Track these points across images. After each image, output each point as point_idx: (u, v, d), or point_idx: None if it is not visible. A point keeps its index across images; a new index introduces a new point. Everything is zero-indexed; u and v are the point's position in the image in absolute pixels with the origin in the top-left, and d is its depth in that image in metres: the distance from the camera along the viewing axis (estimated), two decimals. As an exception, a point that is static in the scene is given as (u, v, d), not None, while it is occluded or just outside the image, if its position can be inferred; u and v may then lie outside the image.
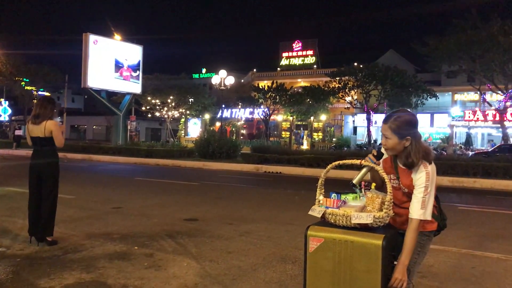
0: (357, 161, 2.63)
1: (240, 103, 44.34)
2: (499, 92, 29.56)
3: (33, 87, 46.77)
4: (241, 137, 44.04)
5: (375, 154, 2.66)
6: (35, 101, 5.80)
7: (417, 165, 2.52)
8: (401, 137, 2.54)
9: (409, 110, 2.78)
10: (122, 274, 4.38)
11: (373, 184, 2.63)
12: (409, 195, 2.59)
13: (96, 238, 5.78)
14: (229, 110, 44.80)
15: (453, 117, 37.50)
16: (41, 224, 5.31)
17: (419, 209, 2.48)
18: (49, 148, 5.41)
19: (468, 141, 33.55)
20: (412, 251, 2.50)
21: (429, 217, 2.52)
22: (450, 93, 41.27)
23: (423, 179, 2.50)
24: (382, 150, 2.69)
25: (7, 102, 41.42)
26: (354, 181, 2.61)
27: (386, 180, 2.47)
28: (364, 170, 2.63)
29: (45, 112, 5.35)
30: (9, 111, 39.89)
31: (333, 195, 2.61)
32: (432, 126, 38.21)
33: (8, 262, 4.65)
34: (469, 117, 35.92)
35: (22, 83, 44.87)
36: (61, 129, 5.60)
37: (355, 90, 36.77)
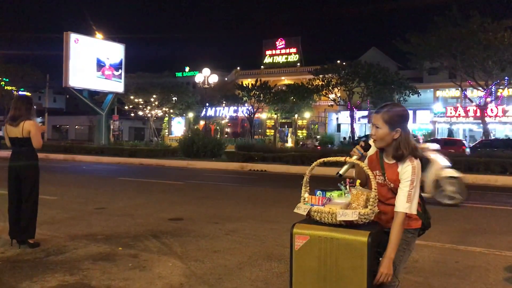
0: (342, 158, 2.62)
1: (224, 102, 44.28)
2: (480, 88, 30.03)
3: (13, 87, 45.99)
4: (226, 136, 44.02)
5: (363, 145, 2.66)
6: (22, 101, 5.66)
7: (406, 157, 2.54)
8: (392, 128, 2.57)
9: (403, 105, 2.79)
10: (106, 275, 4.33)
11: (358, 181, 2.63)
12: (394, 191, 2.59)
13: (79, 240, 5.70)
14: (213, 108, 44.69)
15: (435, 114, 37.98)
16: (22, 226, 5.21)
17: (405, 202, 2.50)
18: (27, 149, 5.29)
19: (450, 137, 33.99)
20: (397, 245, 2.50)
21: (414, 211, 2.54)
22: (432, 89, 41.78)
23: (409, 172, 2.52)
24: (370, 141, 2.68)
25: (-15, 102, 40.73)
26: (341, 172, 2.60)
27: (370, 177, 2.46)
28: (351, 159, 2.59)
29: (20, 112, 5.21)
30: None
31: (318, 192, 2.60)
32: (414, 123, 38.62)
33: (-12, 266, 4.55)
34: (450, 113, 36.43)
35: (1, 83, 44.08)
36: (42, 129, 5.50)
37: (339, 88, 37.00)
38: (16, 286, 4.00)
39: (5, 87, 44.86)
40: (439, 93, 41.80)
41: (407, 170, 2.53)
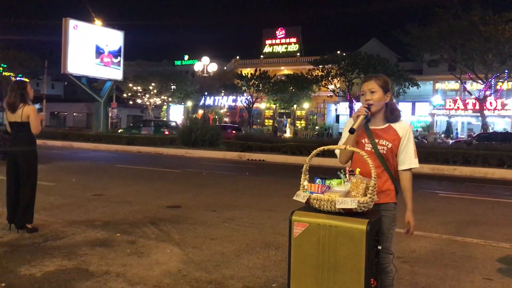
0: (343, 147, 2.62)
1: (223, 91, 44.17)
2: (479, 81, 30.01)
3: (11, 73, 45.77)
4: (224, 125, 43.85)
5: (367, 106, 2.75)
6: (16, 86, 5.66)
7: (400, 117, 2.81)
8: (385, 92, 2.78)
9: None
10: (104, 261, 4.34)
11: (358, 170, 2.63)
12: (386, 156, 2.74)
13: (77, 225, 5.71)
14: (212, 97, 44.61)
15: (434, 106, 37.96)
16: (20, 211, 5.21)
17: (413, 158, 2.77)
18: (25, 134, 5.29)
19: (449, 129, 34.04)
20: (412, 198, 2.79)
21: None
22: (432, 82, 41.73)
23: (410, 131, 2.80)
24: (355, 126, 2.70)
25: (-16, 88, 40.58)
26: (355, 127, 2.67)
27: (370, 165, 2.47)
28: (361, 118, 2.70)
29: (14, 99, 5.22)
30: (-13, 97, 39.07)
31: (318, 180, 2.61)
32: (413, 115, 38.64)
33: (-14, 250, 4.56)
34: (449, 105, 36.40)
35: (-1, 69, 43.93)
36: (41, 117, 5.49)
37: (338, 79, 36.94)
38: (14, 270, 4.01)
39: (3, 73, 44.68)
40: (438, 85, 41.76)
41: (408, 130, 2.79)
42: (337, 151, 2.86)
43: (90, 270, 4.08)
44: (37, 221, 5.51)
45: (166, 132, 28.61)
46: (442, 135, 32.80)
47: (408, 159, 2.77)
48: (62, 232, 5.34)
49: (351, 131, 2.66)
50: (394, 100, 3.03)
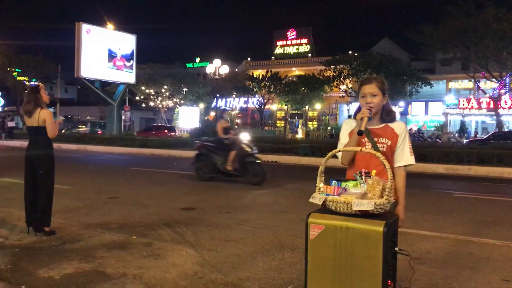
0: (358, 148, 2.63)
1: (234, 92, 44.21)
2: (493, 79, 29.62)
3: (25, 78, 46.31)
4: (236, 127, 43.92)
5: (369, 108, 2.80)
6: (32, 90, 5.79)
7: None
8: (384, 94, 2.87)
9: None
10: (121, 263, 4.38)
11: (374, 171, 2.64)
12: (386, 154, 2.78)
13: (93, 228, 5.77)
14: (224, 99, 44.66)
15: (448, 105, 37.58)
16: (38, 214, 5.29)
17: (409, 155, 2.89)
18: (43, 138, 5.38)
19: (462, 129, 33.69)
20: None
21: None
22: (445, 81, 41.32)
23: (406, 130, 2.90)
24: (362, 127, 2.74)
25: (-1, 92, 41.15)
26: (362, 128, 2.71)
27: (386, 167, 2.47)
28: (365, 119, 2.74)
29: (30, 103, 5.33)
30: (2, 101, 39.62)
31: (334, 182, 2.61)
32: (426, 114, 38.32)
33: (6, 252, 4.64)
34: (463, 105, 36.01)
35: (14, 74, 44.40)
36: (59, 121, 5.57)
37: (350, 79, 36.74)
38: (34, 272, 4.07)
39: (18, 78, 45.24)
40: (451, 84, 41.34)
41: (404, 128, 2.90)
42: (339, 153, 2.93)
43: (107, 272, 4.13)
44: (54, 224, 5.58)
45: (99, 132, 33.60)
46: (456, 135, 32.48)
47: (405, 156, 2.88)
48: (79, 235, 5.41)
49: (360, 133, 2.71)
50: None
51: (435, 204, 8.32)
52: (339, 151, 2.84)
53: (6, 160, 15.55)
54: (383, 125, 2.90)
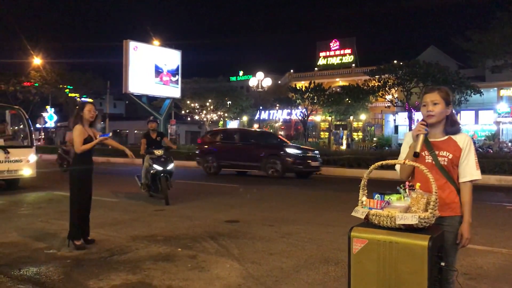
0: (401, 161, 2.59)
1: (277, 104, 44.32)
2: (548, 86, 28.31)
3: (76, 94, 48.32)
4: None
5: (424, 123, 2.73)
6: (77, 107, 6.07)
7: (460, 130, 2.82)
8: (447, 104, 2.77)
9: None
10: (167, 275, 4.47)
11: (418, 184, 2.59)
12: (447, 167, 2.71)
13: (140, 240, 5.91)
14: (267, 111, 44.85)
15: (499, 114, 36.15)
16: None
17: (475, 169, 2.73)
18: (73, 153, 5.72)
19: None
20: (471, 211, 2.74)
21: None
22: (496, 88, 39.78)
23: (471, 143, 2.77)
24: (418, 149, 2.68)
25: (52, 109, 43.11)
26: (417, 150, 2.65)
27: (431, 180, 2.42)
28: (421, 137, 2.68)
29: (70, 120, 5.73)
30: (55, 117, 41.46)
31: (377, 196, 2.58)
32: (476, 123, 36.97)
33: (58, 263, 4.83)
34: (516, 113, 34.52)
35: (66, 90, 46.45)
36: (101, 139, 5.74)
37: (396, 88, 36.04)
38: (84, 283, 4.22)
39: (69, 94, 47.28)
40: (503, 92, 39.75)
41: (468, 141, 2.77)
42: (397, 167, 2.86)
43: (153, 284, 4.21)
44: (103, 236, 5.78)
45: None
46: (510, 144, 31.15)
47: (470, 171, 2.74)
48: (126, 247, 5.55)
49: (416, 155, 2.65)
50: (455, 110, 2.99)
51: (487, 217, 7.98)
52: (383, 164, 2.80)
53: (59, 174, 16.17)
54: (446, 137, 2.80)
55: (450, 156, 2.72)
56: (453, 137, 2.79)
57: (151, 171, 9.41)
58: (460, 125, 2.84)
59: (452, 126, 2.80)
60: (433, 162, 2.72)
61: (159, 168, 9.32)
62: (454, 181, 2.74)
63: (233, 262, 4.94)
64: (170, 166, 9.61)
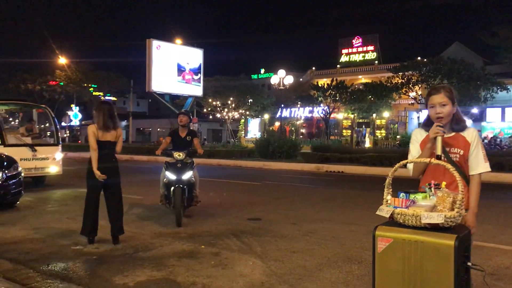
0: (427, 160, 2.57)
1: (299, 102, 44.16)
2: None
3: (100, 93, 49.12)
4: (301, 136, 43.79)
5: (440, 124, 2.73)
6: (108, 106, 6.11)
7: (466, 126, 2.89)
8: (453, 103, 2.84)
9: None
10: (191, 272, 4.51)
11: (443, 183, 2.57)
12: (460, 163, 2.78)
13: (164, 237, 5.99)
14: (288, 109, 44.74)
15: (527, 111, 35.29)
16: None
17: (484, 162, 2.81)
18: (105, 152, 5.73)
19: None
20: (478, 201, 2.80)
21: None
22: (523, 85, 38.89)
23: (478, 137, 2.84)
24: (438, 151, 2.68)
25: (77, 107, 43.88)
26: (439, 153, 2.65)
27: (457, 178, 2.40)
28: (439, 139, 2.68)
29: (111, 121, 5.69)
30: (79, 116, 42.21)
31: (402, 194, 2.57)
32: (503, 121, 36.15)
33: (85, 259, 4.93)
34: (544, 110, 33.65)
35: (90, 89, 47.27)
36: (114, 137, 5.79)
37: (419, 85, 35.56)
38: (110, 279, 4.29)
39: (93, 93, 48.08)
40: (531, 88, 38.81)
41: (476, 135, 2.84)
42: (409, 165, 2.89)
43: (178, 281, 4.26)
44: (127, 233, 5.86)
45: None
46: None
47: (479, 164, 2.81)
48: (151, 244, 5.63)
49: (438, 157, 2.65)
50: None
51: (514, 217, 7.84)
52: (408, 162, 2.79)
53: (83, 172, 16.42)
54: (453, 133, 2.86)
55: (462, 152, 2.80)
56: (461, 133, 2.86)
57: (164, 180, 7.34)
58: (465, 123, 2.90)
59: (457, 124, 2.87)
60: (445, 159, 2.73)
61: (172, 177, 7.07)
62: (466, 177, 2.81)
63: (256, 260, 4.96)
64: (187, 175, 7.21)
